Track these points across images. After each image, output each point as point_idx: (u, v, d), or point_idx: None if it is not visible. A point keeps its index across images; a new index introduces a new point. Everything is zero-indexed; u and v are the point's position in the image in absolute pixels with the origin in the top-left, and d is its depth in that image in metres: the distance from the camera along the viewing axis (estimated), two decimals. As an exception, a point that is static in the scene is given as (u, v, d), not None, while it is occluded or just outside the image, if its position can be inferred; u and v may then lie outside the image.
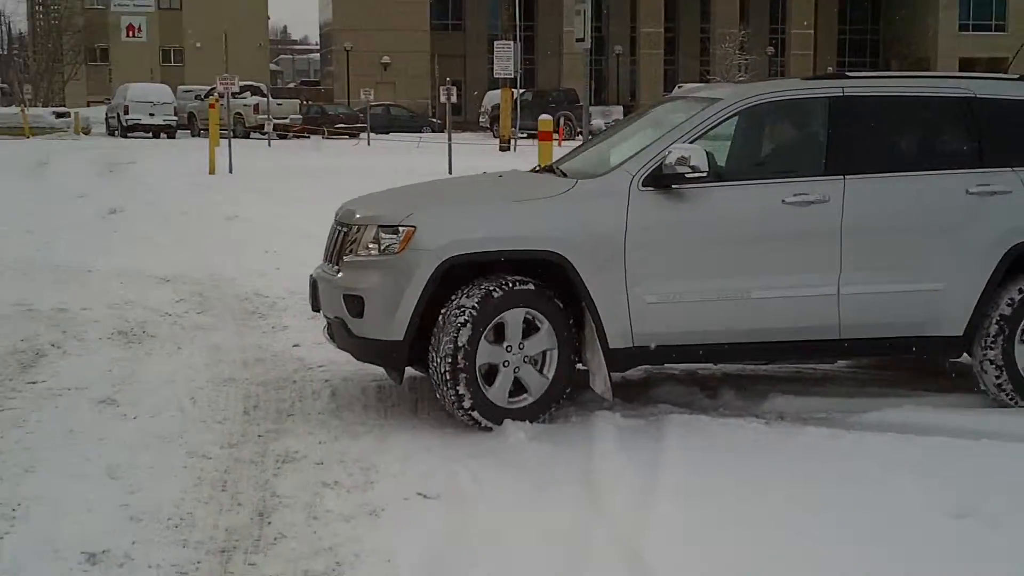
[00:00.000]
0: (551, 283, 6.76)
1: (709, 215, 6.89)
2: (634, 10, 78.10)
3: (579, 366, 6.97)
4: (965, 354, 7.42)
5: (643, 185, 6.83)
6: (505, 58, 40.24)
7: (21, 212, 18.55)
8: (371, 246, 6.82)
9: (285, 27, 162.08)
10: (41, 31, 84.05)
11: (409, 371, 7.13)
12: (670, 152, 6.77)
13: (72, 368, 8.29)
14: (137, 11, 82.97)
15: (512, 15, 49.15)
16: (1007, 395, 7.27)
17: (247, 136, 47.63)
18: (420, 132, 51.61)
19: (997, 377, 7.24)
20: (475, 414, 6.64)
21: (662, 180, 6.82)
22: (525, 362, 6.74)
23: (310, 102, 59.75)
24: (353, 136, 49.79)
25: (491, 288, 6.61)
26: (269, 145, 40.88)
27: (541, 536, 5.18)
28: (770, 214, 6.97)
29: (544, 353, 6.77)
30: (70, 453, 6.33)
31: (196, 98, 52.39)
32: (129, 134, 48.52)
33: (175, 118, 50.02)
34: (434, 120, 60.68)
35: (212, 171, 26.82)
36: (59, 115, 51.11)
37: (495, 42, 42.32)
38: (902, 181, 7.20)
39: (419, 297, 6.60)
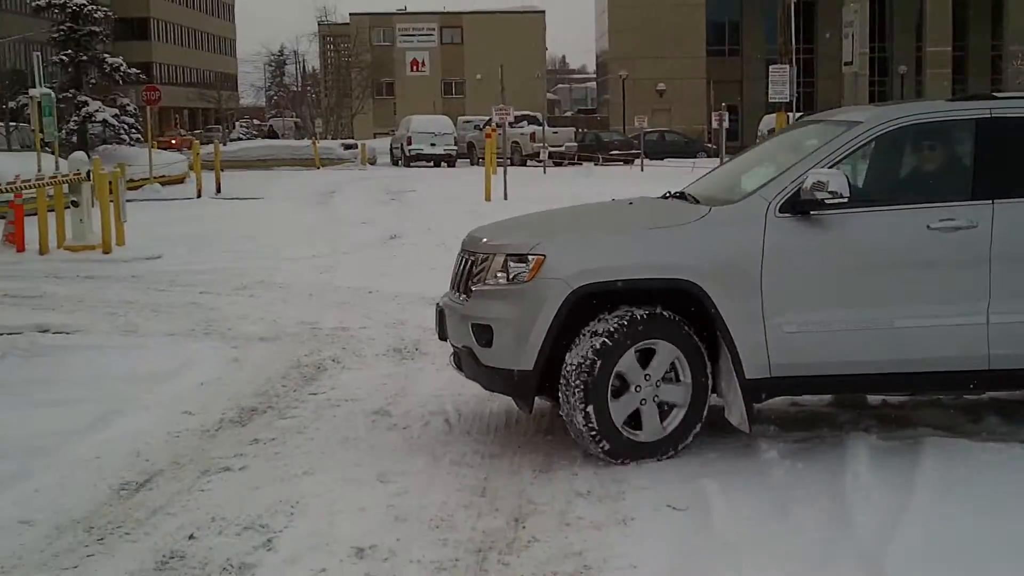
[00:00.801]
0: (684, 313, 6.60)
1: (849, 242, 6.65)
2: (920, 28, 75.67)
3: (715, 397, 6.80)
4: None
5: (780, 211, 6.62)
6: (780, 82, 39.58)
7: (311, 238, 19.66)
8: (499, 275, 6.72)
9: (563, 57, 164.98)
10: (332, 68, 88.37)
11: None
12: (808, 177, 6.55)
13: (350, 381, 8.85)
14: (421, 47, 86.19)
15: (788, 38, 48.52)
16: None
17: (523, 164, 48.79)
18: (695, 157, 51.55)
19: None
20: (606, 445, 6.50)
21: (800, 206, 6.61)
22: (660, 393, 6.59)
23: (585, 130, 60.62)
24: (627, 162, 50.24)
25: (623, 317, 6.48)
26: (544, 172, 41.72)
27: (784, 552, 5.26)
28: (914, 241, 6.69)
29: (678, 383, 6.62)
30: (345, 458, 6.80)
31: (475, 128, 53.99)
32: (412, 164, 50.40)
33: (455, 148, 51.70)
34: (709, 145, 60.50)
35: (488, 198, 27.63)
36: (347, 147, 53.63)
37: (770, 66, 41.88)
38: None
39: (549, 326, 6.48)
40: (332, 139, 62.77)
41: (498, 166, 29.73)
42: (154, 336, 10.72)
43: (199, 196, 30.76)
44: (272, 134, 73.31)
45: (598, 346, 6.43)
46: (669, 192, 7.90)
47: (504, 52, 78.52)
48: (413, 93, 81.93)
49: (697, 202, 7.22)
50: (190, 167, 35.46)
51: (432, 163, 51.01)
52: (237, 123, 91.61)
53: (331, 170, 45.60)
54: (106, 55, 44.81)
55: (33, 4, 48.70)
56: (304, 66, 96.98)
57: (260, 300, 12.89)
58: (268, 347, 10.07)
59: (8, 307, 12.47)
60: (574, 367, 6.47)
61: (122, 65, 44.58)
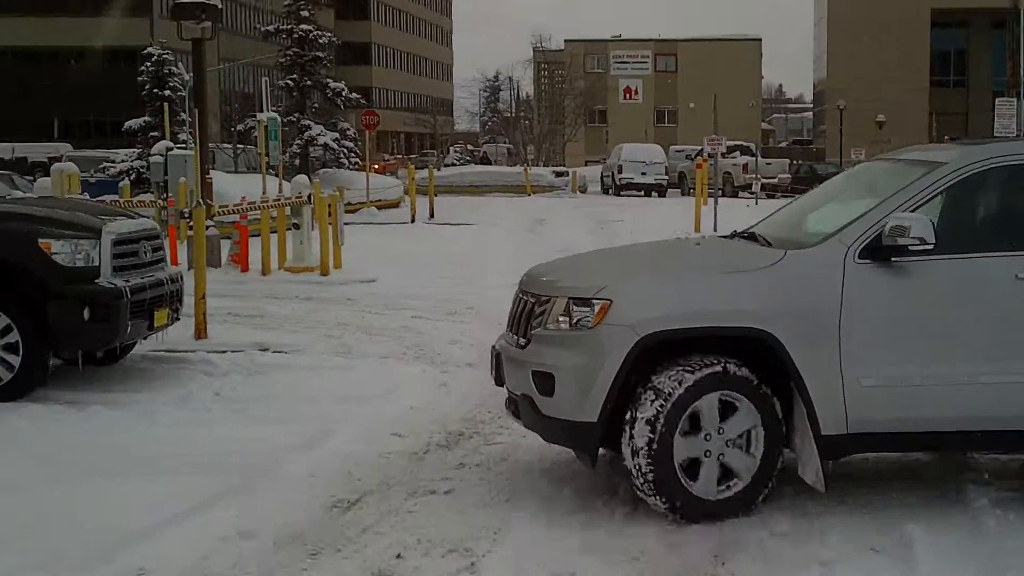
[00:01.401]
0: (757, 362, 6.28)
1: (933, 291, 6.33)
2: None
3: (787, 451, 6.48)
4: None
5: (860, 257, 6.29)
6: (1007, 116, 38.45)
7: (519, 265, 19.90)
8: (562, 319, 6.39)
9: (780, 86, 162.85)
10: (545, 95, 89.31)
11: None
12: (891, 222, 6.24)
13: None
14: (635, 74, 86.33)
15: (1017, 70, 46.86)
16: None
17: (735, 195, 48.26)
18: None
19: None
20: (675, 504, 6.18)
21: (881, 252, 6.28)
22: (728, 446, 6.24)
23: (800, 161, 59.68)
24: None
25: (692, 367, 6.16)
26: (756, 203, 41.25)
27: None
28: (1001, 290, 6.33)
29: (749, 438, 6.27)
30: (547, 487, 6.90)
31: (687, 158, 53.74)
32: (622, 192, 50.49)
33: (666, 177, 51.55)
34: (929, 179, 58.67)
35: (697, 229, 27.49)
36: (558, 174, 54.09)
37: (997, 99, 40.52)
38: None
39: (615, 376, 6.15)
40: (543, 166, 63.41)
41: (709, 196, 29.56)
42: (367, 358, 11.08)
43: (413, 221, 31.53)
44: (485, 160, 74.53)
45: (663, 399, 6.11)
46: (736, 231, 7.61)
47: (718, 80, 78.03)
48: (625, 121, 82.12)
49: (769, 244, 6.93)
50: (405, 192, 36.35)
51: (642, 192, 50.99)
52: (451, 148, 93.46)
53: (541, 197, 46.07)
54: (329, 80, 46.35)
55: (262, 30, 50.79)
56: (518, 92, 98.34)
57: (469, 326, 13.16)
58: (475, 373, 10.28)
59: (232, 325, 13.05)
60: (637, 423, 6.14)
61: (344, 90, 46.04)
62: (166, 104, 34.01)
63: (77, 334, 9.35)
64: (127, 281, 9.63)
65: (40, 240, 9.35)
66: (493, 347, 7.16)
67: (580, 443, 6.44)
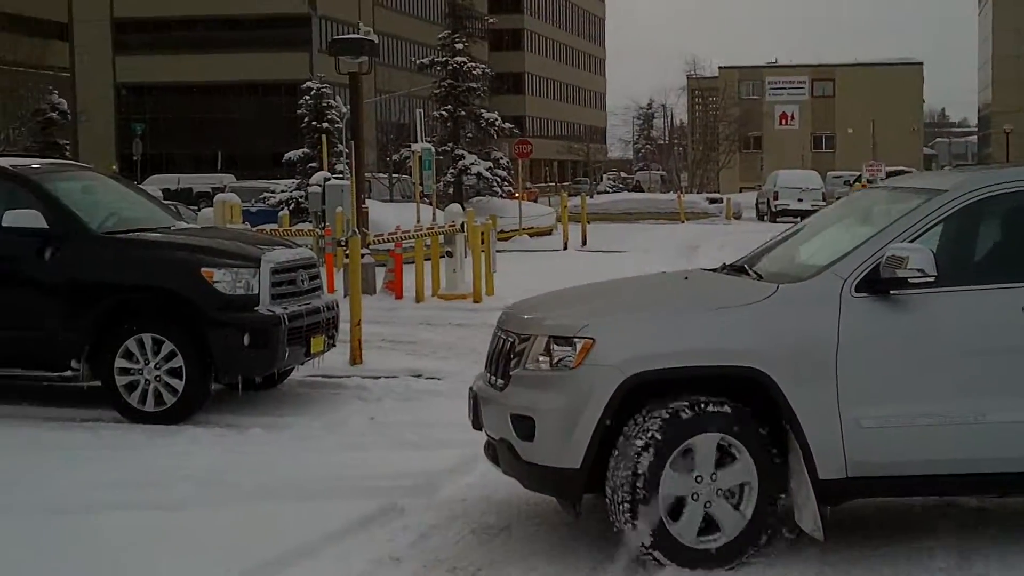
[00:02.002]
0: (749, 403, 5.92)
1: (934, 325, 5.99)
2: None
3: (782, 497, 6.08)
4: None
5: (856, 291, 5.95)
6: None
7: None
8: (542, 359, 6.03)
9: (943, 110, 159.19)
10: (699, 121, 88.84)
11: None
12: (889, 253, 5.90)
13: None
14: (791, 100, 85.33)
15: None
16: None
17: (894, 220, 47.23)
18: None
19: None
20: (656, 554, 5.82)
21: (879, 285, 5.94)
22: (718, 495, 5.87)
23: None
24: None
25: (679, 409, 5.80)
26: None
27: None
28: (1007, 324, 5.98)
29: (741, 487, 5.89)
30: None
31: (845, 183, 52.83)
32: (777, 219, 49.81)
33: (823, 203, 50.71)
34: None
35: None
36: (712, 200, 53.68)
37: None
38: None
39: (599, 419, 5.81)
40: (697, 193, 63.03)
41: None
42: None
43: (565, 248, 31.61)
44: (637, 188, 74.42)
45: (647, 440, 5.76)
46: (725, 264, 7.25)
47: (878, 105, 76.75)
48: (781, 147, 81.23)
49: (760, 277, 6.59)
50: (557, 219, 36.49)
51: (798, 219, 50.16)
52: (604, 176, 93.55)
53: (695, 224, 45.77)
54: (483, 110, 46.89)
55: (417, 62, 51.64)
56: (672, 119, 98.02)
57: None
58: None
59: (386, 351, 13.26)
60: (621, 466, 5.80)
61: (497, 120, 46.51)
62: (324, 136, 34.72)
63: (237, 360, 9.62)
64: (285, 308, 9.88)
65: (203, 269, 9.66)
66: (470, 388, 6.78)
67: (563, 491, 6.10)
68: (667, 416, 5.80)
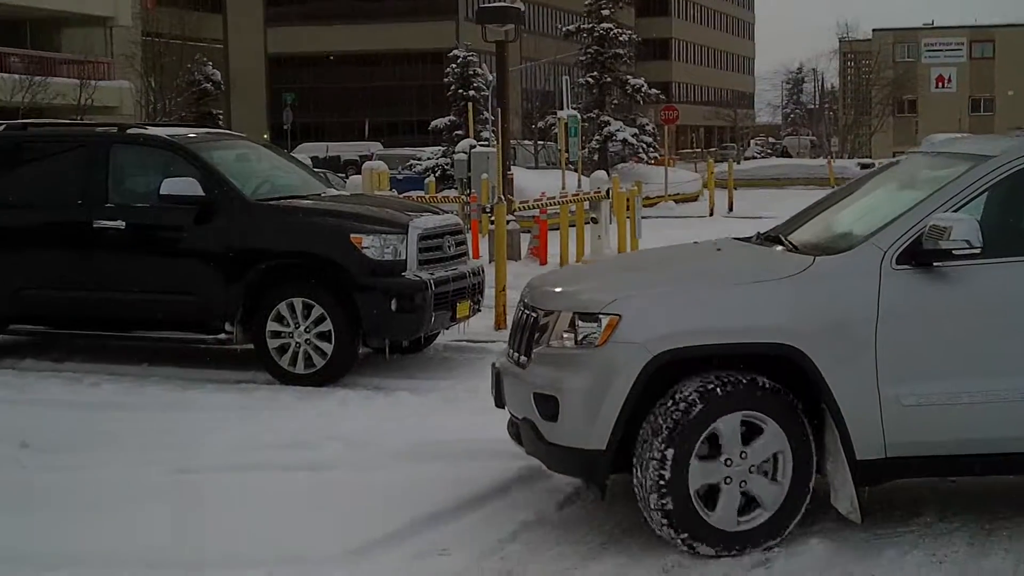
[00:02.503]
0: (784, 380, 5.64)
1: (980, 299, 5.66)
2: None
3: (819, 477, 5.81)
4: None
5: (897, 263, 5.62)
6: None
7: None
8: (566, 336, 5.77)
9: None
10: (851, 85, 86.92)
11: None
12: (932, 223, 5.56)
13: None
14: (948, 62, 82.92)
15: None
16: None
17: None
18: None
19: None
20: (689, 539, 5.56)
21: (922, 257, 5.61)
22: (752, 472, 5.59)
23: None
24: None
25: (711, 387, 5.52)
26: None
27: None
28: None
29: (775, 456, 5.62)
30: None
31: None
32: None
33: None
34: None
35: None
36: (863, 166, 52.41)
37: None
38: None
39: (626, 399, 5.54)
40: (848, 158, 61.76)
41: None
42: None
43: (711, 214, 31.33)
44: (784, 153, 73.21)
45: (677, 420, 5.49)
46: (759, 234, 6.90)
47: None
48: (936, 111, 78.93)
49: (796, 249, 6.23)
50: (704, 185, 36.16)
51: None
52: (751, 141, 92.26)
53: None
54: (628, 76, 46.65)
55: (563, 29, 51.57)
56: (822, 84, 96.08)
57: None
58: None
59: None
60: (649, 450, 5.54)
61: (643, 86, 46.26)
62: (470, 104, 34.97)
63: (384, 324, 9.77)
64: (431, 274, 10.00)
65: (352, 235, 9.82)
66: (493, 364, 6.62)
67: (588, 473, 5.84)
68: (698, 395, 5.52)
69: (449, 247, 10.57)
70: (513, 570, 5.53)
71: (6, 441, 7.73)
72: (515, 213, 19.33)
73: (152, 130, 11.08)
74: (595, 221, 19.45)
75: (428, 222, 10.38)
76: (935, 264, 5.65)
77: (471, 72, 43.19)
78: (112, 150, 10.63)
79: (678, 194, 36.37)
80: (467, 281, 10.62)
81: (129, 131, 10.97)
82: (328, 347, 9.69)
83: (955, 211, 5.68)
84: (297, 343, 9.75)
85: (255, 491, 6.70)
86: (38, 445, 7.69)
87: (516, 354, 6.20)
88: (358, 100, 77.33)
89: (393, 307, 9.66)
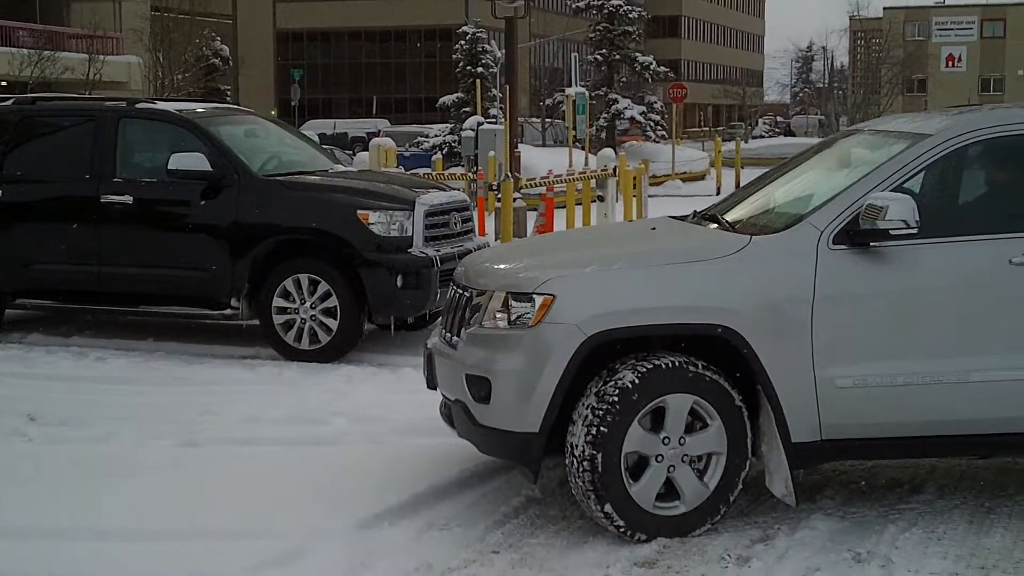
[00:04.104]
0: (720, 363, 5.58)
1: (916, 280, 5.60)
2: None
3: (753, 460, 5.75)
4: None
5: (834, 243, 5.56)
6: None
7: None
8: (499, 316, 5.64)
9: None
10: (861, 64, 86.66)
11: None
12: (868, 202, 5.49)
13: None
14: (959, 41, 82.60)
15: None
16: None
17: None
18: None
19: None
20: (615, 516, 5.48)
21: (858, 237, 5.54)
22: (683, 461, 5.54)
23: None
24: None
25: (652, 365, 5.46)
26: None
27: None
28: (993, 278, 5.58)
29: (709, 456, 5.58)
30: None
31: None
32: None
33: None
34: None
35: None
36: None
37: None
38: None
39: (559, 380, 5.44)
40: (856, 137, 61.60)
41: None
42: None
43: (718, 193, 31.28)
44: (788, 133, 73.04)
45: (616, 397, 5.42)
46: (696, 212, 6.83)
47: (1050, 45, 73.78)
48: (946, 90, 78.57)
49: (732, 228, 6.18)
50: (711, 164, 36.13)
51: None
52: (760, 120, 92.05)
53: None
54: (637, 54, 46.57)
55: (573, 6, 51.45)
56: (832, 62, 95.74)
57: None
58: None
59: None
60: (584, 423, 5.47)
61: (652, 64, 46.20)
62: (478, 80, 34.95)
63: (390, 301, 9.80)
64: (438, 251, 10.02)
65: (359, 211, 9.84)
66: (425, 345, 6.51)
67: (521, 456, 5.68)
68: (640, 372, 5.46)
69: (455, 224, 10.59)
70: (514, 544, 5.57)
71: (14, 414, 7.80)
72: (521, 191, 19.36)
73: (161, 105, 11.09)
74: (601, 199, 19.47)
75: (435, 199, 10.40)
76: (872, 244, 5.60)
77: (480, 49, 43.10)
78: (120, 125, 10.64)
79: (685, 172, 36.34)
80: (473, 258, 10.63)
81: (138, 106, 10.99)
82: (333, 323, 9.73)
83: (892, 190, 5.64)
84: (303, 319, 9.79)
85: (260, 465, 6.75)
86: (45, 419, 7.75)
87: (448, 334, 6.11)
88: (366, 77, 77.34)
89: (399, 283, 9.69)
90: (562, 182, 19.77)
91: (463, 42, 43.65)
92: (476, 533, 5.69)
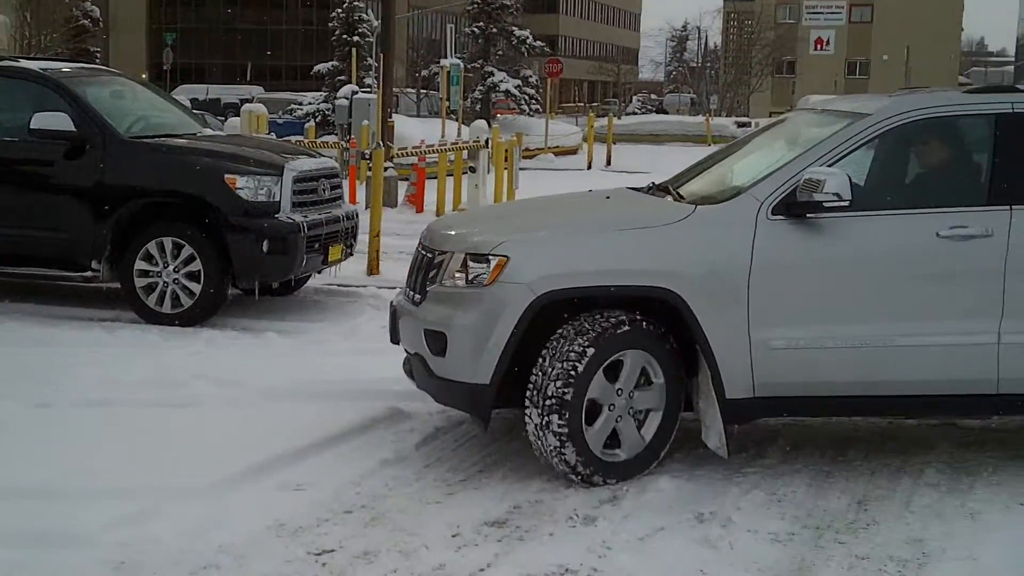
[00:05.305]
0: (663, 322, 5.97)
1: (849, 250, 5.98)
2: None
3: (690, 415, 6.24)
4: None
5: (773, 214, 5.93)
6: None
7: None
8: (458, 276, 6.05)
9: (982, 38, 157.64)
10: (733, 45, 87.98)
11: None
12: (806, 176, 5.87)
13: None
14: (828, 24, 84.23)
15: None
16: None
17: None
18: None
19: None
20: (572, 457, 5.84)
21: (795, 208, 5.92)
22: (628, 414, 5.98)
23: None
24: None
25: (614, 323, 5.84)
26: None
27: None
28: (921, 250, 6.00)
29: (648, 411, 6.03)
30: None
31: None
32: (806, 144, 49.47)
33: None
34: None
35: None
36: (740, 124, 53.35)
37: None
38: None
39: (510, 336, 5.82)
40: (726, 116, 62.66)
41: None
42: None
43: (589, 167, 31.67)
44: (661, 110, 73.96)
45: (564, 365, 5.79)
46: (652, 184, 7.19)
47: (916, 32, 75.81)
48: (814, 72, 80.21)
49: (682, 198, 6.58)
50: (584, 139, 36.45)
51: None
52: (634, 97, 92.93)
53: (721, 148, 45.55)
54: (514, 28, 46.66)
55: (451, -22, 51.30)
56: (706, 42, 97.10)
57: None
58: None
59: (403, 263, 13.24)
60: (550, 371, 5.81)
61: (528, 38, 46.34)
62: (354, 49, 34.67)
63: (255, 265, 9.78)
64: (305, 217, 10.02)
65: (226, 175, 9.78)
66: (391, 302, 6.87)
67: (472, 407, 6.08)
68: (608, 324, 5.85)
69: (324, 191, 10.59)
70: (367, 504, 5.65)
71: None
72: (394, 160, 19.34)
73: (24, 63, 10.85)
74: (473, 170, 19.55)
75: (304, 165, 10.38)
76: (808, 216, 5.94)
77: (356, 18, 42.75)
78: (-19, 82, 10.39)
79: (558, 147, 36.59)
80: (340, 225, 10.65)
81: (0, 63, 10.74)
82: (197, 287, 9.67)
83: (830, 166, 5.96)
84: (165, 282, 9.71)
85: (116, 426, 6.72)
86: None
87: (412, 292, 6.46)
88: (241, 43, 76.11)
89: (265, 248, 9.67)
90: (434, 152, 19.79)
91: (340, 10, 43.26)
92: (330, 493, 5.75)
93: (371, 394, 7.46)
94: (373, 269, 12.38)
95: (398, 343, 6.71)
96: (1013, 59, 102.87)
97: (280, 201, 9.90)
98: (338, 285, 11.49)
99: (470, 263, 6.01)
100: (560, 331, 5.89)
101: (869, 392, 6.11)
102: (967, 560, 5.12)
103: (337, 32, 43.00)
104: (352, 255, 11.18)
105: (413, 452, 6.45)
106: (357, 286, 11.54)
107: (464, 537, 5.26)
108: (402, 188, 19.46)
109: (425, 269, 6.32)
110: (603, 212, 6.70)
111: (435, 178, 19.30)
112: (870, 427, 7.15)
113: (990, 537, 5.38)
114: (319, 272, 10.94)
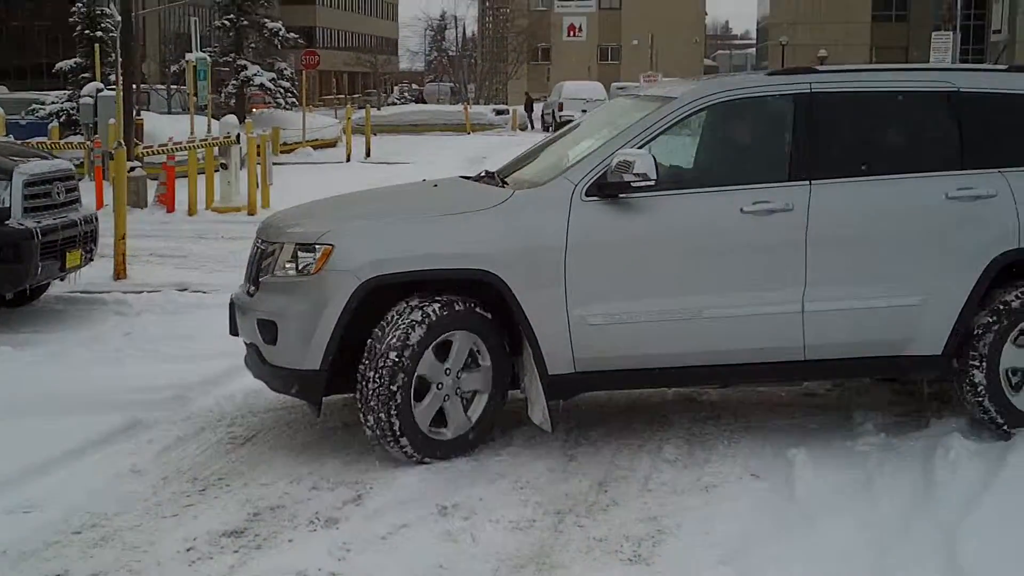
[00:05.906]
0: (487, 304, 6.20)
1: (658, 227, 6.25)
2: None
3: (517, 393, 6.48)
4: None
5: (586, 195, 6.18)
6: (941, 49, 38.85)
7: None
8: (288, 266, 6.19)
9: (726, 22, 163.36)
10: (489, 33, 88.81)
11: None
12: (615, 158, 6.12)
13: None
14: (579, 11, 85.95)
15: (952, 4, 47.13)
16: (988, 418, 6.54)
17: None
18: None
19: (979, 399, 6.50)
20: (400, 435, 6.00)
21: (607, 189, 6.17)
22: (456, 394, 6.19)
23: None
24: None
25: (439, 306, 6.05)
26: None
27: (858, 524, 5.32)
28: (726, 225, 6.30)
29: (475, 393, 6.27)
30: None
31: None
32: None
33: (607, 114, 51.48)
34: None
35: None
36: (499, 112, 53.99)
37: (933, 33, 40.92)
38: (874, 186, 6.43)
39: (337, 322, 5.99)
40: (484, 104, 63.22)
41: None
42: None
43: (348, 160, 31.41)
44: (420, 100, 74.13)
45: (393, 343, 5.96)
46: (485, 171, 7.39)
47: (662, 17, 78.06)
48: (568, 58, 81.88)
49: (505, 184, 6.81)
50: (343, 131, 36.17)
51: (584, 129, 50.87)
52: (395, 87, 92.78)
53: (481, 135, 45.93)
54: (266, 20, 45.83)
55: (199, -30, 50.06)
56: (463, 31, 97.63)
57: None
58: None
59: (153, 266, 13.03)
60: (381, 351, 5.98)
61: (281, 30, 45.55)
62: (97, 45, 33.41)
63: (-15, 275, 9.30)
64: (38, 222, 9.59)
65: (-50, 181, 9.27)
66: (231, 296, 6.89)
67: (304, 393, 6.22)
68: (438, 305, 6.05)
69: (59, 194, 10.16)
70: (98, 523, 5.42)
71: None
72: (142, 159, 18.77)
73: None
74: (225, 167, 19.14)
75: (35, 168, 9.94)
76: (620, 196, 6.18)
77: (98, 11, 41.15)
78: None
79: (316, 140, 36.22)
80: (78, 229, 10.24)
81: None
82: (-80, 301, 9.16)
83: (640, 148, 6.21)
84: None
85: None
86: None
87: (247, 285, 6.59)
88: (-22, 41, 72.49)
89: (-5, 257, 9.21)
90: (183, 150, 19.27)
91: (80, 4, 41.62)
92: (59, 514, 5.49)
93: (110, 405, 7.19)
94: (120, 273, 11.98)
95: (237, 335, 6.77)
96: (755, 42, 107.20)
97: (11, 207, 9.45)
98: (82, 292, 11.06)
99: (299, 252, 6.15)
100: (388, 314, 6.04)
101: (684, 363, 6.35)
102: (700, 534, 5.27)
103: (79, 28, 41.40)
104: (93, 260, 10.76)
105: (151, 464, 6.25)
106: (102, 292, 11.13)
107: (199, 550, 5.10)
108: (152, 188, 18.89)
109: (259, 262, 6.44)
110: (427, 199, 6.93)
111: (186, 176, 18.81)
112: (615, 405, 7.32)
113: (723, 508, 5.56)
114: (62, 280, 10.49)
